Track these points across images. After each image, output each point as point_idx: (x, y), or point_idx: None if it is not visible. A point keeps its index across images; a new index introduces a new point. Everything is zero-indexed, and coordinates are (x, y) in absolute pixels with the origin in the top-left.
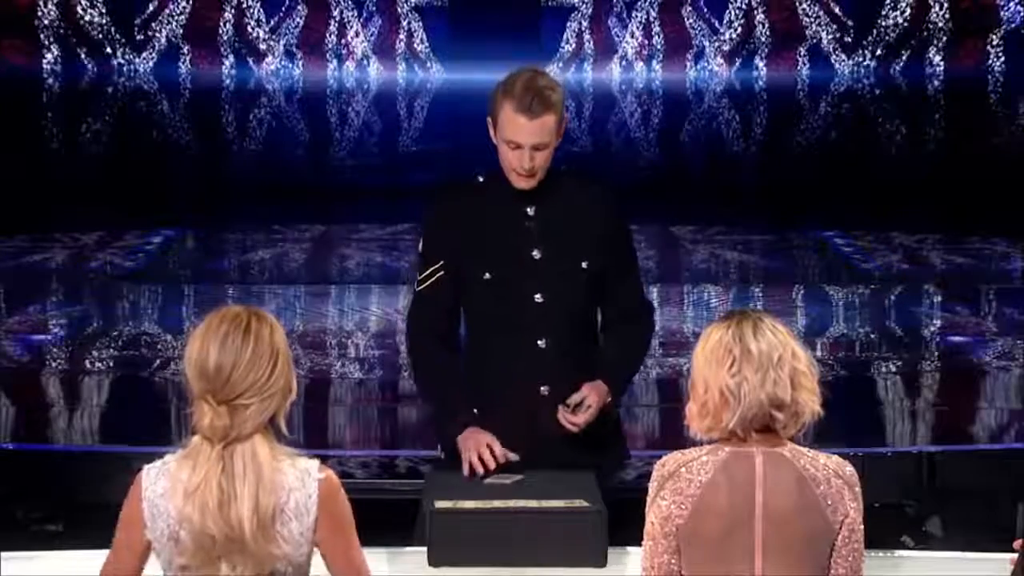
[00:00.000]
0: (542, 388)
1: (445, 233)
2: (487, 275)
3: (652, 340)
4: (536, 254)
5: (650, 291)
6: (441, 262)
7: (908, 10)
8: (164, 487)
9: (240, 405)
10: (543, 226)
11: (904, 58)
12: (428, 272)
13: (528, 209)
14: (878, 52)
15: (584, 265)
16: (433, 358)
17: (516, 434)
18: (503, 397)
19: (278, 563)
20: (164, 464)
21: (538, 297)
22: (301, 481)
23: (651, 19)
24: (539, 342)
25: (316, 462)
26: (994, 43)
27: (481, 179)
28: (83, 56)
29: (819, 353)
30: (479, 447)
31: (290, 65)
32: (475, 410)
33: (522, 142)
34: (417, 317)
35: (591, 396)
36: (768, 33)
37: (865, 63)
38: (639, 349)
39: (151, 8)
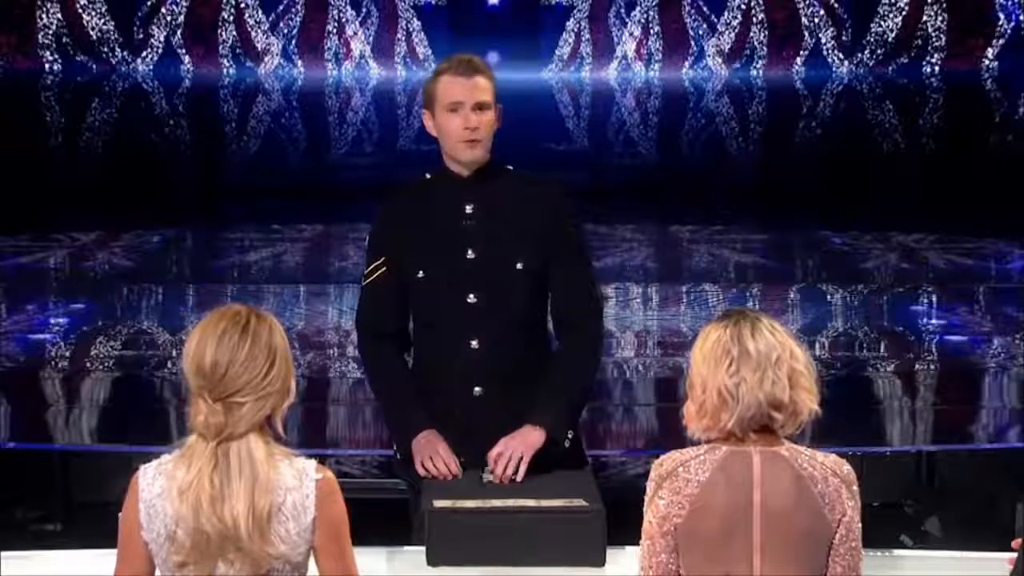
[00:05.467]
0: (475, 389)
1: (388, 231)
2: (421, 273)
3: (599, 356)
4: (471, 254)
5: (649, 291)
6: (383, 258)
7: (906, 10)
8: (161, 486)
9: (235, 403)
10: (479, 226)
11: (902, 59)
12: (371, 268)
13: (467, 207)
14: (877, 52)
15: (519, 266)
16: (382, 360)
17: (453, 435)
18: (439, 397)
19: (275, 562)
20: (160, 464)
21: (471, 298)
22: (298, 481)
23: (650, 19)
24: (472, 343)
25: (313, 462)
26: (992, 44)
27: (428, 176)
28: (83, 56)
29: (817, 352)
30: (429, 454)
31: (289, 65)
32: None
33: (462, 98)
34: (363, 315)
35: (509, 448)
36: (767, 33)
37: (864, 62)
38: (580, 374)
39: (148, 6)
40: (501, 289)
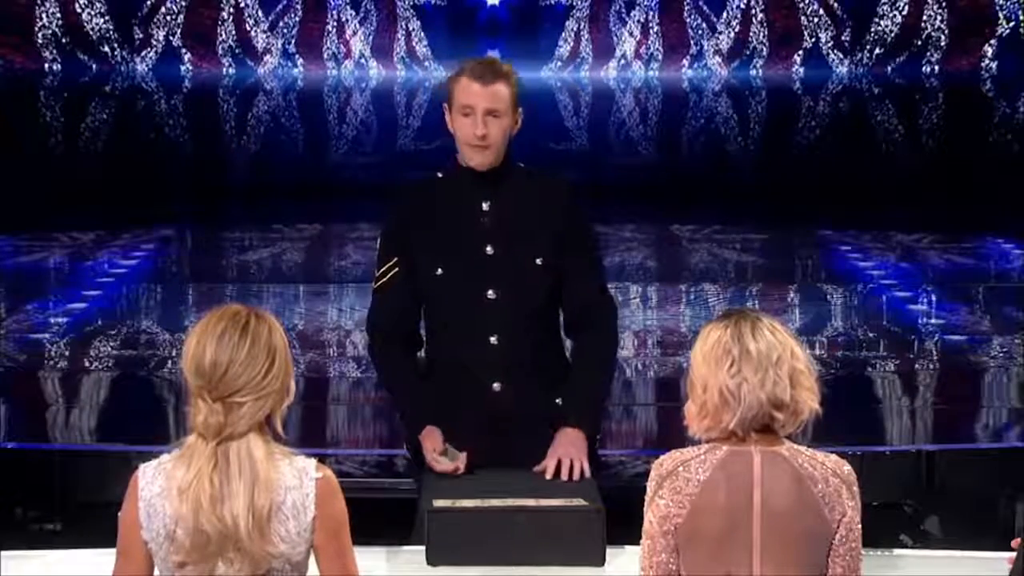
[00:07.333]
0: (495, 385)
1: (401, 231)
2: (439, 271)
3: (616, 349)
4: (489, 250)
5: (649, 291)
6: (396, 259)
7: (906, 10)
8: (161, 486)
9: (235, 403)
10: (497, 222)
11: (902, 58)
12: (384, 270)
13: (483, 204)
14: (876, 52)
15: (538, 261)
16: (392, 362)
17: (472, 430)
18: (457, 393)
19: (275, 561)
20: (160, 463)
21: (490, 293)
22: (298, 480)
23: (649, 19)
24: (491, 339)
25: (313, 461)
26: (992, 44)
27: (440, 175)
28: (83, 56)
29: (817, 352)
30: (429, 453)
31: (289, 64)
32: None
33: (475, 104)
34: (376, 317)
35: (567, 456)
36: (766, 33)
37: (863, 61)
38: (604, 369)
39: (148, 6)
40: (520, 285)
